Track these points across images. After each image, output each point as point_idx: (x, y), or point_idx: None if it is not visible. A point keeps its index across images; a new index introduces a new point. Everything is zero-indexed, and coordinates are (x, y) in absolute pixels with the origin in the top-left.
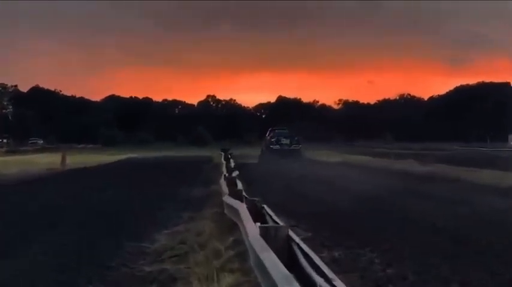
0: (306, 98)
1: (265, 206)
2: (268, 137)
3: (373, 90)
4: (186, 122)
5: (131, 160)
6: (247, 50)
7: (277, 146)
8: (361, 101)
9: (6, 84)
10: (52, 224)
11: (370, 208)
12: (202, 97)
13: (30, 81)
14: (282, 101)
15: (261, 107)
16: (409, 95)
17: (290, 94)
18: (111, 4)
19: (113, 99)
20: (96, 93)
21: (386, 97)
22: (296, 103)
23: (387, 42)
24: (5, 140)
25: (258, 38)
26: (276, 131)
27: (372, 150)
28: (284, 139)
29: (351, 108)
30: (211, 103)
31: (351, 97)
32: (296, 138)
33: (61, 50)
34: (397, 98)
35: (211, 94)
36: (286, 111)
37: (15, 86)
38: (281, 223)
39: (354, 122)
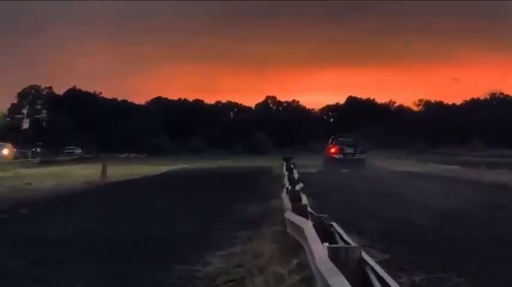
0: (381, 99)
1: (333, 223)
2: (331, 146)
3: (459, 89)
4: (243, 128)
5: (180, 171)
6: (312, 45)
7: (341, 156)
8: (445, 102)
9: (40, 86)
10: (87, 249)
11: (456, 227)
12: (261, 99)
13: (66, 82)
14: (352, 102)
15: (328, 109)
16: (502, 94)
17: (362, 94)
18: None
19: (159, 102)
20: (140, 95)
21: (475, 97)
22: (369, 104)
23: (474, 33)
24: (38, 149)
25: (325, 32)
26: (339, 139)
27: (458, 158)
28: (348, 148)
29: (434, 110)
30: (272, 105)
31: (433, 97)
32: (360, 147)
33: (100, 48)
34: (488, 97)
35: (272, 95)
36: (357, 114)
37: (50, 87)
38: (353, 243)
39: (437, 125)
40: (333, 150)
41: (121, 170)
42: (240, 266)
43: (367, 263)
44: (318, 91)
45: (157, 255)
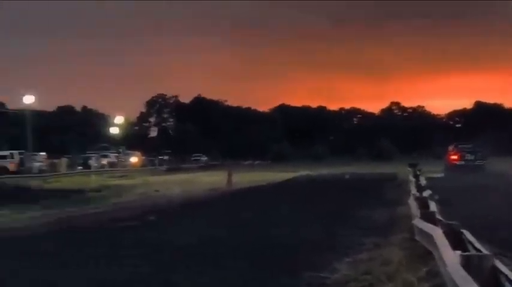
0: (509, 103)
1: (464, 231)
2: (452, 153)
3: None
4: (367, 134)
5: (304, 177)
6: (437, 49)
7: (462, 162)
8: None
9: (167, 95)
10: (214, 255)
11: None
12: (385, 104)
13: (192, 91)
14: (480, 107)
15: (455, 114)
16: None
17: (490, 99)
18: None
19: (282, 110)
20: (264, 103)
21: None
22: (496, 109)
23: None
24: (165, 157)
25: (449, 35)
26: (459, 146)
27: None
28: (468, 155)
29: None
30: (396, 111)
31: None
32: (480, 153)
33: (224, 56)
34: None
35: (396, 101)
36: (484, 119)
37: (176, 96)
38: (485, 251)
39: None
40: (454, 157)
41: (246, 177)
42: (368, 273)
43: (501, 272)
44: (442, 96)
45: (284, 261)
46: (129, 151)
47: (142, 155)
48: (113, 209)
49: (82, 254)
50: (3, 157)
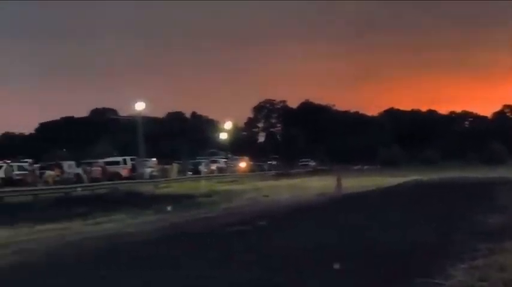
0: None
1: None
2: None
3: None
4: (478, 138)
5: (414, 182)
6: None
7: None
8: None
9: (274, 100)
10: (326, 260)
11: None
12: (498, 107)
13: (299, 96)
14: None
15: None
16: None
17: None
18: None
19: (392, 114)
20: (372, 107)
21: None
22: None
23: None
24: (273, 162)
25: None
26: None
27: None
28: None
29: None
30: (508, 114)
31: None
32: None
33: (332, 61)
34: None
35: (509, 104)
36: None
37: (284, 101)
38: None
39: None
40: None
41: (354, 182)
42: (485, 280)
43: None
44: None
45: (396, 267)
46: (238, 156)
47: (251, 161)
48: (223, 214)
49: (196, 259)
50: (116, 163)
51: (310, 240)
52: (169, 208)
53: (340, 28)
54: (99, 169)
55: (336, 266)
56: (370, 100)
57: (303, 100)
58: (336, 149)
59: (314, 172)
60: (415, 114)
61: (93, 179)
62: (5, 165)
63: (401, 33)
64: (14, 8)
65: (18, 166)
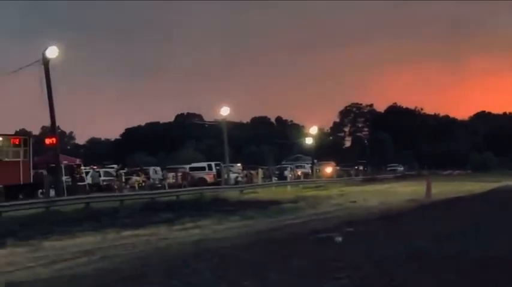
0: None
1: None
2: None
3: None
4: None
5: (508, 187)
6: None
7: None
8: None
9: (361, 104)
10: (421, 269)
11: None
12: None
13: (387, 99)
14: None
15: None
16: None
17: None
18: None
19: (483, 117)
20: (462, 110)
21: None
22: None
23: None
24: (360, 167)
25: None
26: None
27: None
28: None
29: None
30: None
31: None
32: None
33: (420, 64)
34: None
35: None
36: None
37: (371, 105)
38: None
39: None
40: None
41: (445, 187)
42: None
43: None
44: None
45: (499, 276)
46: (324, 161)
47: (337, 166)
48: (309, 220)
49: (285, 266)
50: (202, 169)
51: (400, 247)
52: (255, 214)
53: (428, 29)
54: (184, 174)
55: (433, 274)
56: (459, 103)
57: (390, 103)
58: (424, 154)
59: (402, 177)
60: (507, 117)
61: (179, 185)
62: (91, 171)
63: (487, 34)
64: (101, 12)
65: (105, 171)
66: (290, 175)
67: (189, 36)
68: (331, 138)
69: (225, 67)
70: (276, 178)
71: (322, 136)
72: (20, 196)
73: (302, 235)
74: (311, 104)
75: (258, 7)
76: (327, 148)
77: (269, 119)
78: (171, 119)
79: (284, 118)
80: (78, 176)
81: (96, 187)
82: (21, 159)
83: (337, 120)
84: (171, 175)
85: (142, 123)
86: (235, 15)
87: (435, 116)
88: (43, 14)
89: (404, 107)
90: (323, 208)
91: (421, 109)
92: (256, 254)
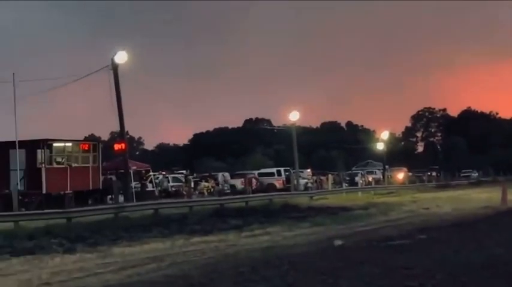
0: None
1: None
2: None
3: None
4: None
5: None
6: None
7: None
8: None
9: (434, 108)
10: (495, 278)
11: None
12: None
13: (460, 103)
14: None
15: None
16: None
17: None
18: None
19: None
20: None
21: None
22: None
23: None
24: (433, 173)
25: None
26: None
27: None
28: None
29: None
30: None
31: None
32: None
33: (495, 66)
34: None
35: None
36: None
37: (444, 109)
38: None
39: None
40: None
41: None
42: None
43: None
44: None
45: None
46: (395, 167)
47: (409, 171)
48: (381, 227)
49: (356, 273)
50: (271, 174)
51: (474, 255)
52: (325, 220)
53: (504, 31)
54: (253, 180)
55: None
56: None
57: (464, 108)
58: (500, 159)
59: (477, 183)
60: None
61: (248, 191)
62: (160, 176)
63: None
64: (170, 16)
65: (173, 177)
66: (361, 181)
67: (259, 40)
68: (402, 143)
69: (295, 71)
70: (347, 184)
71: (393, 141)
72: (89, 202)
73: (373, 242)
74: (382, 108)
75: (327, 8)
76: (399, 154)
77: (339, 123)
78: (240, 124)
79: (354, 123)
80: (146, 182)
81: (164, 192)
82: (90, 165)
83: (409, 125)
84: (239, 180)
85: (211, 129)
86: (304, 17)
87: (511, 121)
88: (111, 19)
89: (478, 111)
90: (395, 215)
91: (497, 113)
92: (326, 261)
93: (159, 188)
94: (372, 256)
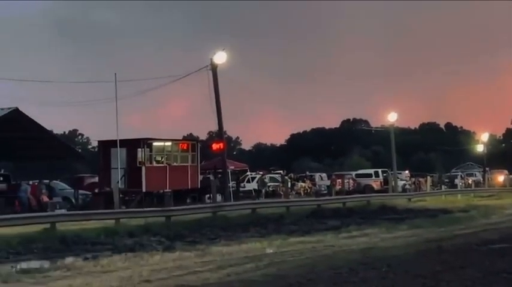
0: None
1: None
2: None
3: None
4: None
5: None
6: None
7: None
8: None
9: None
10: None
11: None
12: None
13: None
14: None
15: None
16: None
17: None
18: None
19: None
20: None
21: None
22: None
23: None
24: None
25: None
26: None
27: None
28: None
29: None
30: None
31: None
32: None
33: None
34: None
35: None
36: None
37: None
38: None
39: None
40: None
41: None
42: None
43: None
44: None
45: None
46: (496, 169)
47: (510, 174)
48: (481, 231)
49: (456, 277)
50: (368, 176)
51: None
52: (423, 222)
53: None
54: (351, 181)
55: None
56: None
57: None
58: None
59: None
60: None
61: (346, 192)
62: (258, 176)
63: None
64: (266, 16)
65: (270, 177)
66: (460, 183)
67: (356, 39)
68: (503, 145)
69: (392, 71)
70: (446, 186)
71: (494, 143)
72: (188, 200)
73: (474, 246)
74: (482, 109)
75: (424, 6)
76: (500, 156)
77: (438, 125)
78: (337, 124)
79: (454, 124)
80: (244, 181)
81: (262, 192)
82: (189, 164)
83: (511, 126)
84: (337, 181)
85: (308, 129)
86: (401, 15)
87: None
88: (210, 19)
89: None
90: (496, 218)
91: None
92: (426, 264)
93: (258, 188)
94: (473, 260)
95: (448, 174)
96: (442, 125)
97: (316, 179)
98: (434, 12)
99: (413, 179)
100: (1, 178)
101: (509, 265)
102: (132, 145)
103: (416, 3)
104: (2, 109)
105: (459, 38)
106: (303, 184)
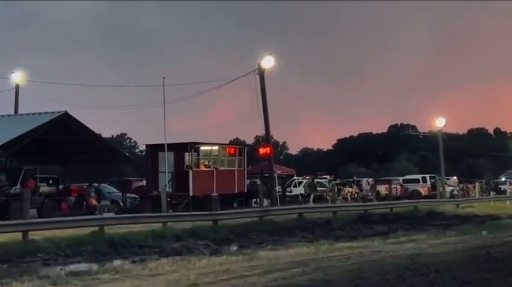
0: None
1: None
2: None
3: None
4: None
5: None
6: None
7: None
8: None
9: None
10: None
11: None
12: None
13: None
14: None
15: None
16: None
17: None
18: None
19: None
20: None
21: None
22: None
23: None
24: None
25: None
26: None
27: None
28: None
29: None
30: None
31: None
32: None
33: None
34: None
35: None
36: None
37: None
38: None
39: None
40: None
41: None
42: None
43: None
44: None
45: None
46: None
47: None
48: None
49: (506, 285)
50: (416, 181)
51: None
52: (471, 229)
53: None
54: (398, 186)
55: None
56: None
57: None
58: None
59: None
60: None
61: (393, 197)
62: (305, 181)
63: None
64: (313, 19)
65: (317, 181)
66: (510, 189)
67: (403, 45)
68: None
69: (441, 76)
70: (494, 192)
71: None
72: (234, 205)
73: None
74: None
75: (473, 9)
76: None
77: (486, 130)
78: (384, 129)
79: (503, 130)
80: (291, 186)
81: (309, 197)
82: (236, 168)
83: None
84: (383, 187)
85: (355, 134)
86: (450, 18)
87: None
88: (257, 22)
89: None
90: None
91: None
92: (474, 271)
93: (306, 192)
94: None
95: (497, 180)
96: (490, 131)
97: (363, 185)
98: (483, 13)
99: (461, 185)
100: (50, 181)
101: None
102: (179, 149)
103: (465, 5)
104: (52, 113)
105: (508, 41)
106: (350, 189)
